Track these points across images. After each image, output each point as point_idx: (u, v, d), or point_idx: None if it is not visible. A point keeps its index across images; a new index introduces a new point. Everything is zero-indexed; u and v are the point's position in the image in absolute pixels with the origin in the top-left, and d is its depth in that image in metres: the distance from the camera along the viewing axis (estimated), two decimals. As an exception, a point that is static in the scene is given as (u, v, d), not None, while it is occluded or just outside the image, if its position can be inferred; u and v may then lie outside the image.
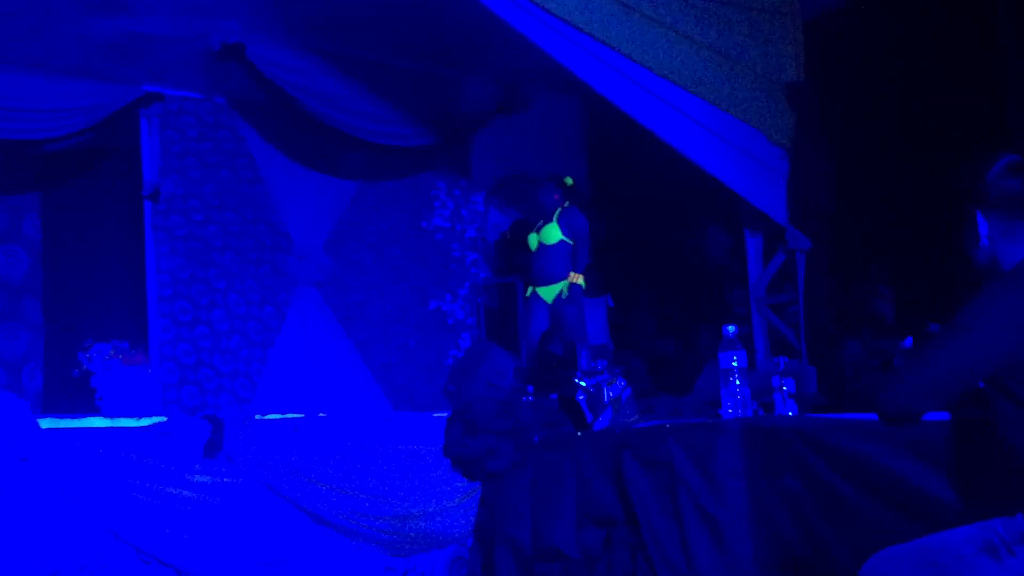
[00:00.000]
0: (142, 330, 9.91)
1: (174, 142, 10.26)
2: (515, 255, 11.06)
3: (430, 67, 10.43)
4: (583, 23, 7.08)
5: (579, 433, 5.58)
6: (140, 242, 10.17)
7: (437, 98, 10.66)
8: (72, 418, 6.69)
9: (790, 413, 5.38)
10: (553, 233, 9.36)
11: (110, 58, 9.42)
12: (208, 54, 9.54)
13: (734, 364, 5.08)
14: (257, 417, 6.78)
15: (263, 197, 10.58)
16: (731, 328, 5.08)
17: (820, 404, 6.42)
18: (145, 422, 6.48)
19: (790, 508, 4.46)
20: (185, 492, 6.23)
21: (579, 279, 9.32)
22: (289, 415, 7.14)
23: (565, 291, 9.23)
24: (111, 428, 6.46)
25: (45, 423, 6.24)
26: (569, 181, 9.59)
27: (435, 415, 7.44)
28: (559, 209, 9.44)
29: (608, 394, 5.55)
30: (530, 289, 9.60)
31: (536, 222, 9.63)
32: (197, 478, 6.29)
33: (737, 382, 5.05)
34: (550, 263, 9.39)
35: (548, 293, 9.39)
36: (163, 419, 6.53)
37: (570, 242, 9.32)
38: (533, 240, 9.56)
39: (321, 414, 7.90)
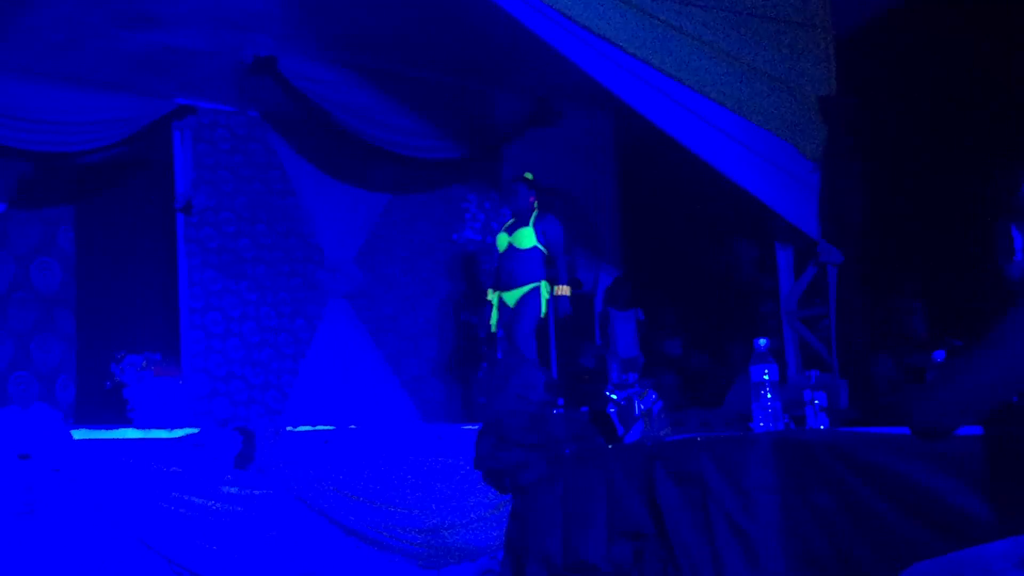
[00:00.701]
0: (174, 342, 9.95)
1: (206, 155, 10.31)
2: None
3: (461, 80, 10.44)
4: (614, 36, 7.08)
5: (610, 446, 5.58)
6: (172, 254, 10.22)
7: (468, 111, 10.68)
8: (105, 429, 6.73)
9: (821, 427, 5.36)
10: (527, 238, 9.06)
11: (143, 71, 9.49)
12: (240, 67, 9.59)
13: (766, 377, 5.06)
14: (288, 429, 6.80)
15: (295, 210, 10.62)
16: (763, 341, 5.06)
17: (851, 418, 6.40)
18: (177, 433, 6.51)
19: (822, 523, 4.44)
20: (216, 504, 6.26)
21: (565, 291, 9.05)
22: (320, 427, 7.16)
23: (542, 295, 8.95)
24: (143, 440, 6.50)
25: (78, 434, 6.28)
26: (529, 176, 9.34)
27: (465, 428, 7.46)
28: (535, 213, 9.17)
29: (639, 407, 5.55)
30: (494, 293, 9.27)
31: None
32: (228, 490, 6.32)
33: (769, 395, 5.03)
34: (519, 267, 9.05)
35: (511, 298, 9.08)
36: (195, 431, 6.55)
37: (543, 249, 9.07)
38: (503, 241, 9.23)
39: (352, 426, 7.92)
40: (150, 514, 6.08)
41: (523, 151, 11.15)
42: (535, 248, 9.06)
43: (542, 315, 9.04)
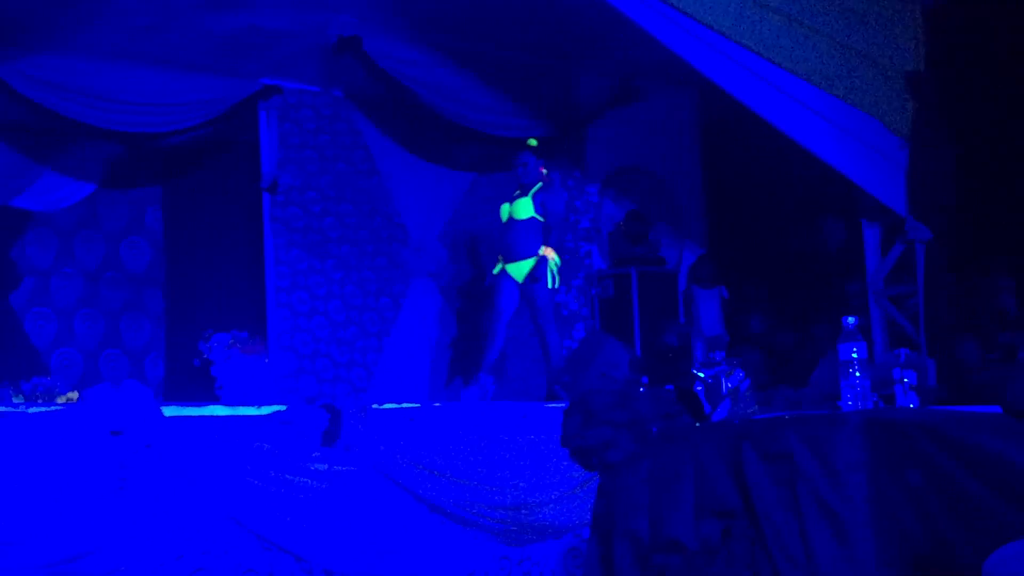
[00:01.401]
0: (260, 320, 10.03)
1: (292, 135, 10.36)
2: (630, 246, 11.04)
3: (545, 59, 10.44)
4: (700, 14, 7.06)
5: (697, 424, 5.56)
6: (259, 234, 10.29)
7: (551, 90, 10.68)
8: (193, 406, 6.82)
9: (911, 406, 5.31)
10: (525, 208, 9.03)
11: (229, 53, 9.57)
12: (325, 47, 9.65)
13: (854, 356, 5.01)
14: (374, 406, 6.84)
15: (379, 189, 10.66)
16: (851, 319, 5.01)
17: (940, 397, 6.35)
18: (265, 411, 6.58)
19: (913, 502, 4.40)
20: (304, 480, 6.31)
21: (552, 254, 8.95)
22: (405, 404, 7.20)
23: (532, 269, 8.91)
24: (232, 416, 6.57)
25: (168, 411, 6.37)
26: (533, 142, 9.32)
27: (549, 405, 7.47)
28: (539, 184, 9.11)
29: (726, 385, 5.52)
30: (500, 265, 9.20)
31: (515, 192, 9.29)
32: (316, 466, 6.37)
33: (857, 374, 4.98)
34: (518, 239, 9.03)
35: (517, 271, 9.02)
36: (282, 408, 6.61)
37: (541, 219, 9.00)
38: (505, 211, 9.21)
39: (436, 404, 7.96)
40: (239, 490, 6.14)
41: (607, 129, 11.15)
42: (532, 219, 9.02)
43: (554, 287, 9.01)
